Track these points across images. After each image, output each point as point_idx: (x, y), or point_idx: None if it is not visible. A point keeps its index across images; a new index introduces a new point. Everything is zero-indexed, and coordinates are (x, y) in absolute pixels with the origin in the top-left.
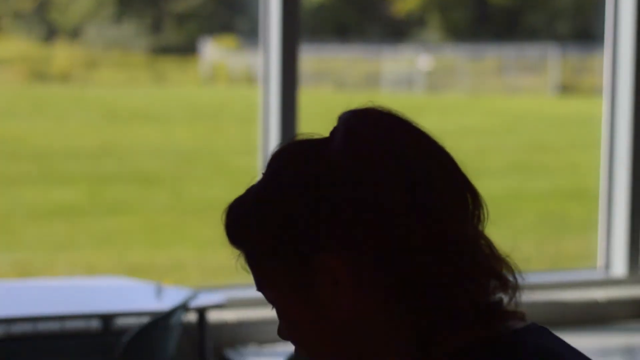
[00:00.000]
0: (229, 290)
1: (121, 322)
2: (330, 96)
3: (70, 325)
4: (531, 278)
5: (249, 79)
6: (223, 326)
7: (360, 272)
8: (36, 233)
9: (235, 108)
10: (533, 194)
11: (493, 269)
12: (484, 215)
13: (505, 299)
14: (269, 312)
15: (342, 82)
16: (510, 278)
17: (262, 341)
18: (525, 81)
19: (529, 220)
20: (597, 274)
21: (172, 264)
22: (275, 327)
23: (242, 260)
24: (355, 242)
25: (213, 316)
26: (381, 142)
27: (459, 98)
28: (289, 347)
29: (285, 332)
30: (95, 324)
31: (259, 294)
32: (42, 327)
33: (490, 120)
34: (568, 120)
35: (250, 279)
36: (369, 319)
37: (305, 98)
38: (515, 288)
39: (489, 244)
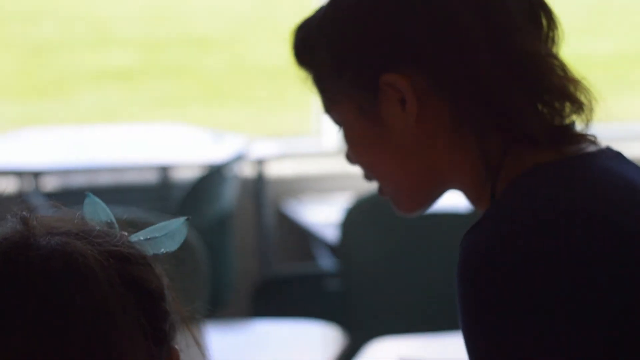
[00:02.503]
0: (287, 142)
1: (178, 173)
2: None
3: (128, 177)
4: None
5: None
6: (281, 179)
7: (428, 92)
8: (92, 97)
9: None
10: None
11: (566, 90)
12: (558, 36)
13: (578, 122)
14: (327, 165)
15: None
16: (584, 101)
17: (320, 192)
18: None
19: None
20: None
21: (230, 124)
22: (332, 180)
23: (310, 83)
24: (423, 61)
25: (271, 169)
26: None
27: None
28: (346, 197)
29: (352, 156)
30: (152, 176)
31: (317, 147)
32: (99, 179)
33: None
34: None
35: (308, 133)
36: (436, 141)
37: None
38: (589, 111)
39: (563, 66)
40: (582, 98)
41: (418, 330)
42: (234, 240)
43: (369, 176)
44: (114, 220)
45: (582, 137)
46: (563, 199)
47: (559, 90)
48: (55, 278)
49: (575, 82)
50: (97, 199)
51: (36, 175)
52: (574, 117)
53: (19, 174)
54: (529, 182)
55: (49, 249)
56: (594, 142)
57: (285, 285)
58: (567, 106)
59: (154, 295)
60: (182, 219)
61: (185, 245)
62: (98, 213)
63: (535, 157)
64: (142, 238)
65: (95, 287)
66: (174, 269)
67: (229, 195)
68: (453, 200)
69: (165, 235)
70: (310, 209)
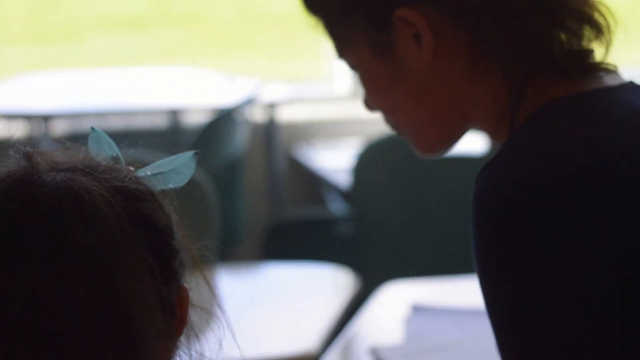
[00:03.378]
0: (299, 87)
1: (189, 117)
2: None
3: (138, 121)
4: None
5: None
6: (292, 123)
7: (443, 24)
8: (102, 44)
9: None
10: None
11: (584, 12)
12: None
13: (598, 48)
14: (338, 110)
15: None
16: (603, 23)
17: (331, 137)
18: None
19: None
20: None
21: (241, 70)
22: (344, 125)
23: (321, 29)
24: None
25: (282, 113)
26: None
27: None
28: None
29: (369, 101)
30: (162, 120)
31: (329, 92)
32: (109, 123)
33: None
34: None
35: (319, 78)
36: (454, 75)
37: None
38: (608, 35)
39: None
40: (601, 20)
41: (431, 274)
42: (245, 185)
43: (389, 121)
44: (119, 155)
45: (603, 66)
46: (582, 133)
47: (577, 12)
48: (60, 216)
49: (593, 5)
50: (102, 133)
51: (46, 119)
52: (594, 42)
53: (28, 117)
54: (548, 116)
55: (54, 186)
56: (615, 72)
57: (296, 230)
58: (587, 29)
59: (163, 232)
60: (190, 153)
61: (196, 189)
62: (103, 148)
63: (555, 90)
64: (149, 173)
65: (101, 225)
66: (185, 212)
67: (240, 139)
68: (466, 144)
69: (173, 170)
70: (322, 154)
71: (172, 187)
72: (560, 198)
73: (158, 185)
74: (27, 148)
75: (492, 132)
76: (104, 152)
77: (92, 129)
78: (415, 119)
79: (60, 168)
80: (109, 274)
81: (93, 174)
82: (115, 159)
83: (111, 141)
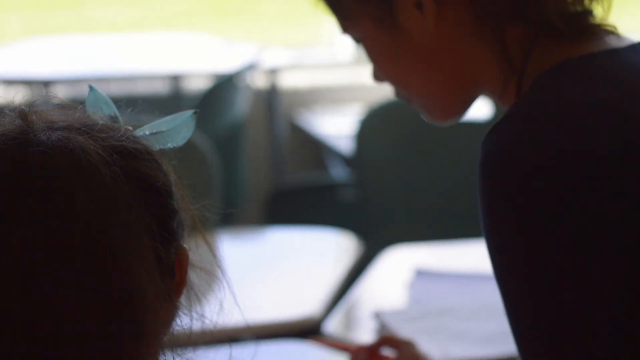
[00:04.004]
0: (300, 53)
1: (190, 83)
2: None
3: (138, 87)
4: None
5: None
6: (294, 89)
7: None
8: (104, 11)
9: None
10: None
11: None
12: None
13: (597, 10)
14: (340, 76)
15: None
16: None
17: (333, 103)
18: None
19: None
20: None
21: (241, 36)
22: (345, 91)
23: (322, 5)
24: None
25: (284, 79)
26: None
27: None
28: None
29: (377, 73)
30: (163, 86)
31: (331, 57)
32: (109, 88)
33: None
34: None
35: (322, 41)
36: (459, 40)
37: None
38: None
39: None
40: None
41: (434, 239)
42: (247, 151)
43: (399, 92)
44: (118, 114)
45: (604, 28)
46: (589, 95)
47: None
48: (56, 175)
49: None
50: (100, 93)
51: (46, 84)
52: (594, 5)
53: (28, 83)
54: (555, 79)
55: (49, 145)
56: (616, 33)
57: (298, 195)
58: None
59: (161, 192)
60: (189, 112)
61: (197, 154)
62: (101, 107)
63: (561, 53)
64: (147, 133)
65: (98, 185)
66: (186, 178)
67: (241, 105)
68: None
69: (172, 129)
70: (323, 120)
71: (171, 146)
72: (568, 160)
73: (157, 145)
74: (22, 106)
75: (499, 97)
76: (102, 111)
77: (90, 87)
78: (424, 87)
79: (56, 127)
80: (105, 233)
81: (90, 133)
82: (113, 119)
83: (109, 100)
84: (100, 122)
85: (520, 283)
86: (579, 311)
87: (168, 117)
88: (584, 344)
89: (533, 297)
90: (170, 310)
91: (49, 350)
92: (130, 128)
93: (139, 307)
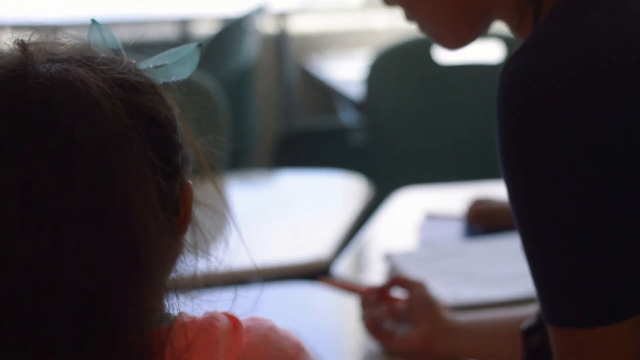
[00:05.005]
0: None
1: (198, 28)
2: None
3: (147, 33)
4: None
5: None
6: (303, 34)
7: None
8: None
9: None
10: None
11: None
12: None
13: None
14: (350, 21)
15: None
16: None
17: (342, 48)
18: None
19: None
20: None
21: None
22: (355, 36)
23: None
24: None
25: (293, 24)
26: None
27: None
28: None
29: None
30: (172, 30)
31: (340, 2)
32: (117, 33)
33: None
34: None
35: None
36: None
37: None
38: None
39: None
40: None
41: (444, 182)
42: (256, 96)
43: (410, 16)
44: (121, 46)
45: None
46: (608, 24)
47: None
48: (55, 108)
49: None
50: (103, 24)
51: (54, 29)
52: None
53: (36, 28)
54: (572, 8)
55: (49, 77)
56: None
57: (308, 140)
58: None
59: (164, 125)
60: (193, 45)
61: (207, 98)
62: (104, 39)
63: None
64: (151, 66)
65: (98, 118)
66: (194, 119)
67: (250, 49)
68: (481, 51)
69: (176, 62)
70: (333, 64)
71: (175, 80)
72: (589, 89)
73: (160, 78)
74: (22, 38)
75: (515, 27)
76: (105, 43)
77: (93, 21)
78: (437, 10)
79: (56, 59)
80: (105, 167)
81: (90, 65)
82: (116, 52)
83: (112, 33)
84: (102, 54)
85: (541, 215)
86: (602, 239)
87: (172, 50)
88: (603, 270)
89: (556, 229)
90: (174, 248)
91: (49, 286)
92: (134, 61)
93: (140, 242)
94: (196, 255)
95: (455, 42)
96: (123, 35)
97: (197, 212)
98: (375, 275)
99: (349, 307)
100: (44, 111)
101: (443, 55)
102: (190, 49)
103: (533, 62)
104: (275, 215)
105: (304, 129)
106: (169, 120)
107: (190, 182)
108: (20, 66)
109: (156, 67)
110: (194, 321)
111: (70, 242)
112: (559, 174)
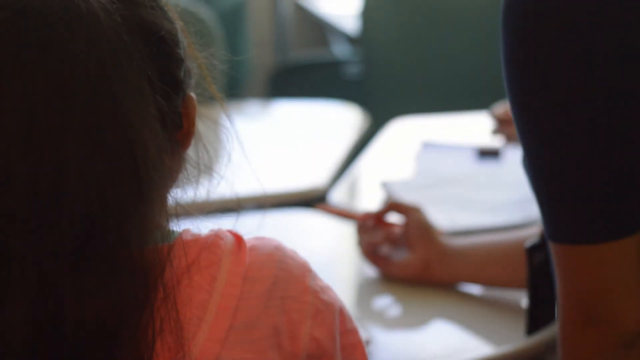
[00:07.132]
0: None
1: None
2: None
3: None
4: None
5: None
6: None
7: None
8: None
9: None
10: None
11: None
12: None
13: None
14: None
15: None
16: None
17: None
18: None
19: None
20: None
21: None
22: None
23: None
24: None
25: None
26: None
27: None
28: None
29: None
30: None
31: None
32: None
33: None
34: None
35: None
36: None
37: None
38: None
39: None
40: None
41: (441, 112)
42: (250, 29)
43: None
44: None
45: None
46: None
47: None
48: (53, 24)
49: None
50: None
51: None
52: None
53: None
54: None
55: None
56: None
57: (302, 72)
58: None
59: (166, 40)
60: None
61: (202, 28)
62: None
63: None
64: None
65: (97, 33)
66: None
67: None
68: None
69: None
70: None
71: None
72: (597, 7)
73: None
74: None
75: None
76: None
77: None
78: None
79: None
80: (104, 83)
81: None
82: None
83: None
84: None
85: (547, 131)
86: (606, 156)
87: None
88: (606, 188)
89: (561, 145)
90: (175, 164)
91: (49, 204)
92: None
93: (139, 159)
94: (198, 167)
95: None
96: None
97: (199, 124)
98: (371, 203)
99: (345, 233)
100: (42, 28)
101: None
102: None
103: None
104: (271, 144)
105: (297, 61)
106: (171, 35)
107: (193, 95)
108: None
109: None
110: (196, 239)
111: (69, 157)
112: (564, 89)
